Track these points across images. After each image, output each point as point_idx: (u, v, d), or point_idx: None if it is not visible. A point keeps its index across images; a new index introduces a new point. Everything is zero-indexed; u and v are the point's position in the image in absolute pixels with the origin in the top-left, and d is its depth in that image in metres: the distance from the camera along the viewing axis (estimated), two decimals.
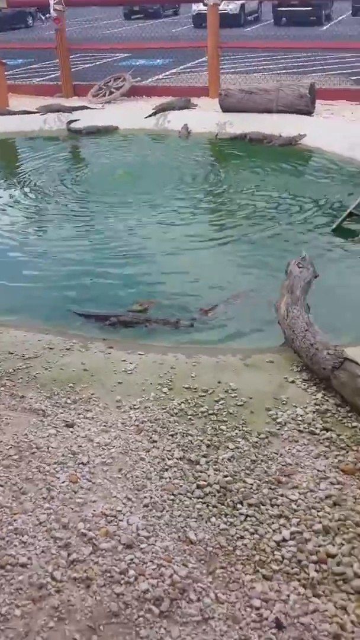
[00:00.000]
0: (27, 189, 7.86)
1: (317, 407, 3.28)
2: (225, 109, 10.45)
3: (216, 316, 4.65)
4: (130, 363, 3.82)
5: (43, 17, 29.70)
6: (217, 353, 4.01)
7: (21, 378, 3.64)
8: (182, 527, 2.44)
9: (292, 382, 3.57)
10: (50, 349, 4.07)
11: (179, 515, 2.50)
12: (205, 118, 10.55)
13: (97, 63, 16.19)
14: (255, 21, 26.28)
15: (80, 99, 12.27)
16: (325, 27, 22.86)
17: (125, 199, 7.29)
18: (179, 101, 11.10)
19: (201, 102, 11.35)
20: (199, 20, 22.78)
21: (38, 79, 14.80)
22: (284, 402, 3.33)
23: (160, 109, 10.89)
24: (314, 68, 14.20)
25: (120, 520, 2.47)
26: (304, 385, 3.53)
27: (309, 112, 10.02)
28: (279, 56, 15.96)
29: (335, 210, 6.71)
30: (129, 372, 3.70)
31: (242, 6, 24.11)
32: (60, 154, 9.60)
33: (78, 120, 10.98)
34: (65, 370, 3.74)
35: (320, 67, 14.28)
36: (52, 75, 14.55)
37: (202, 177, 8.07)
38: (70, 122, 10.94)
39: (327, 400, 3.34)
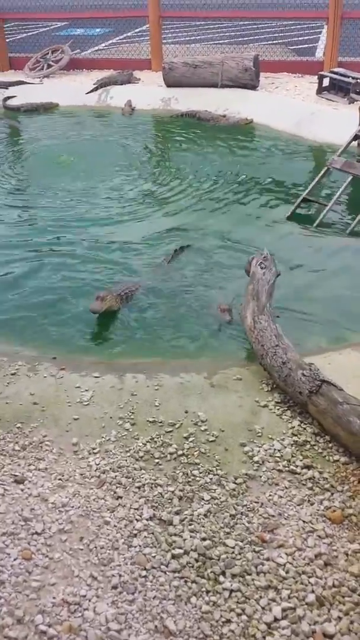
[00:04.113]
0: None
1: (294, 438, 2.99)
2: (169, 84, 9.94)
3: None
4: (86, 390, 3.42)
5: None
6: (179, 371, 3.66)
7: None
8: (159, 614, 2.11)
9: (265, 406, 3.26)
10: None
11: (154, 597, 2.17)
12: (149, 93, 10.02)
13: (34, 32, 15.21)
14: None
15: (17, 73, 11.46)
16: None
17: (66, 191, 6.73)
18: (121, 75, 10.49)
19: (144, 76, 10.78)
20: None
21: None
22: (259, 434, 3.02)
23: (102, 84, 10.27)
24: (255, 37, 13.74)
25: (85, 610, 2.11)
26: (278, 409, 3.23)
27: (253, 86, 9.65)
28: (219, 25, 15.39)
29: (289, 195, 6.42)
30: (85, 403, 3.31)
31: None
32: None
33: (15, 96, 10.23)
34: (12, 405, 3.31)
35: (261, 36, 13.84)
36: None
37: (149, 163, 7.59)
38: (6, 98, 10.18)
39: (305, 429, 3.05)
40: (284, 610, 2.13)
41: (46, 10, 14.06)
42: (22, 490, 2.65)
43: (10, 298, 4.67)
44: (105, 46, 13.61)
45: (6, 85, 10.52)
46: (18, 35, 14.46)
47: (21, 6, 14.20)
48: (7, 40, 12.04)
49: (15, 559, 2.31)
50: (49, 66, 11.29)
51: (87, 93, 10.18)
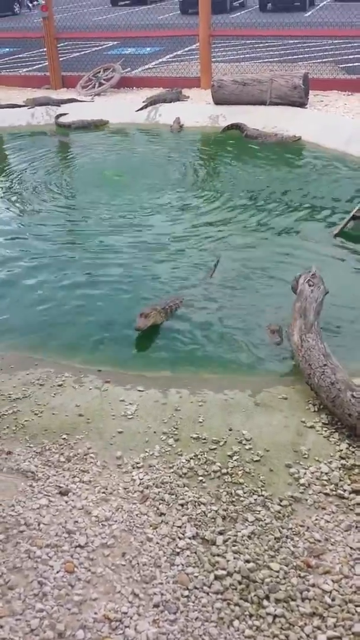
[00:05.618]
0: (12, 197, 7.33)
1: (342, 461, 2.91)
2: (218, 101, 10.01)
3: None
4: (130, 404, 3.43)
5: (30, 5, 28.89)
6: (223, 387, 3.63)
7: (7, 427, 3.24)
8: (201, 636, 2.07)
9: (312, 427, 3.20)
10: (41, 385, 3.67)
11: (196, 619, 2.13)
12: (198, 111, 10.10)
13: (86, 52, 15.60)
14: (240, 7, 25.61)
15: (69, 91, 11.77)
16: (309, 13, 22.35)
17: (113, 206, 6.82)
18: (170, 93, 10.62)
19: (193, 94, 10.89)
20: (186, 6, 22.23)
21: (25, 69, 14.22)
22: (305, 456, 2.96)
23: (151, 102, 10.42)
24: (304, 55, 13.71)
25: (126, 627, 2.09)
26: (325, 431, 3.16)
27: (302, 104, 9.61)
28: (268, 43, 15.44)
29: (338, 212, 6.33)
30: (129, 416, 3.31)
31: None
32: (48, 154, 9.04)
33: (67, 114, 10.48)
34: (58, 416, 3.34)
35: (309, 55, 13.81)
36: (40, 65, 13.98)
37: (197, 179, 7.63)
38: (58, 116, 10.44)
39: (354, 452, 2.97)
40: (329, 639, 2.06)
41: (98, 30, 14.39)
42: (66, 502, 2.66)
43: (57, 311, 4.74)
44: (155, 65, 13.84)
45: (58, 102, 10.80)
46: (71, 54, 14.85)
47: (74, 26, 14.59)
48: (61, 59, 12.37)
49: (58, 572, 2.31)
50: (101, 84, 11.55)
51: (137, 111, 10.35)
